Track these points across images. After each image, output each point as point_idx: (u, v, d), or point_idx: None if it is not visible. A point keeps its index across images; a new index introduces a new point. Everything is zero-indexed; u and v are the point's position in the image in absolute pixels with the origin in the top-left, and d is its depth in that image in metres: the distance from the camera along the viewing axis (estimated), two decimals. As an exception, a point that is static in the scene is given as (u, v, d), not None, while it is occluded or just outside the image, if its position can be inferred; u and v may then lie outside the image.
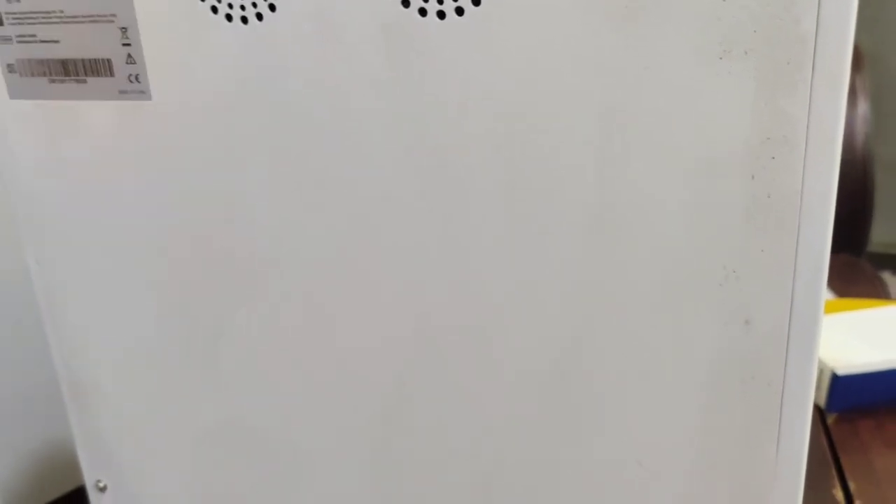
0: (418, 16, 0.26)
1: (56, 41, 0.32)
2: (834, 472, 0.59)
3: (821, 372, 0.65)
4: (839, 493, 0.57)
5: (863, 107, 1.63)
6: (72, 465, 0.44)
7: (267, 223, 0.32)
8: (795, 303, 0.26)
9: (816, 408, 0.67)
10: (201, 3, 0.29)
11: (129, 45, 0.31)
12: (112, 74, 0.32)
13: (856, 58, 1.77)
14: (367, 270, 0.31)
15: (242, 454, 0.38)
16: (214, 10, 0.29)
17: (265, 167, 0.31)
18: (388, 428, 0.34)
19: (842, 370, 0.64)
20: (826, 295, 0.94)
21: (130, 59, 0.31)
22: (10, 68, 0.33)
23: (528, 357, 0.30)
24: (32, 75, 0.33)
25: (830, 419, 0.65)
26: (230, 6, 0.29)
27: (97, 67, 0.32)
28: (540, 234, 0.28)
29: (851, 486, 0.58)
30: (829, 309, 0.78)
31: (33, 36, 0.32)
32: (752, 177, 0.25)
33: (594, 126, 0.26)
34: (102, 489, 0.43)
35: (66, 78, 0.32)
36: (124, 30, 0.31)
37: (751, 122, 0.25)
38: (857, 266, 1.68)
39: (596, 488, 0.31)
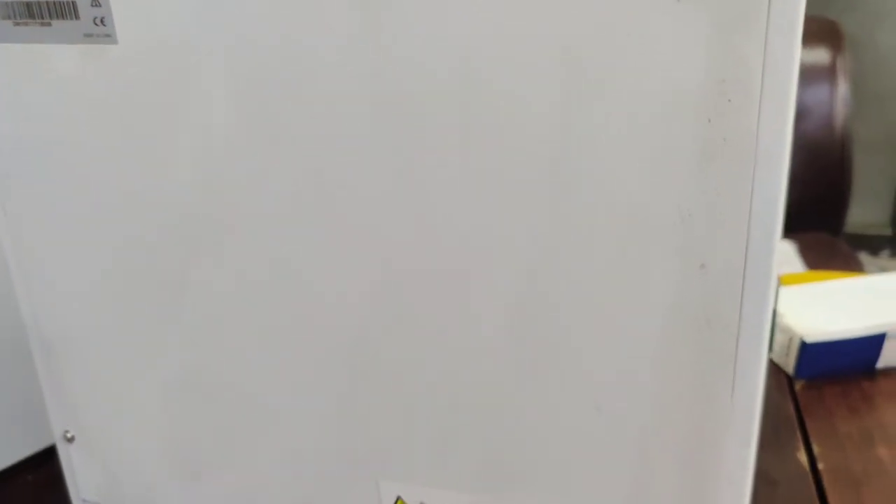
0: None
1: (20, -18, 0.32)
2: (799, 436, 0.60)
3: (790, 340, 0.66)
4: (803, 456, 0.58)
5: (843, 88, 1.64)
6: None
7: (228, 173, 0.32)
8: (751, 246, 0.26)
9: (785, 374, 0.68)
10: (166, -57, 0.29)
11: (93, -14, 0.31)
12: (77, 17, 0.32)
13: (836, 39, 1.79)
14: (328, 218, 0.31)
15: (207, 404, 0.38)
16: (179, -50, 0.29)
17: (228, 115, 0.31)
18: (352, 374, 0.34)
19: (810, 338, 0.64)
20: (800, 269, 0.95)
21: (96, 2, 0.31)
22: (-26, 11, 0.33)
23: (487, 301, 0.30)
24: (-4, 18, 0.33)
25: (798, 385, 0.66)
26: (194, -54, 0.29)
27: (62, 10, 0.32)
28: (499, 177, 0.28)
29: (815, 449, 0.59)
30: (801, 280, 0.79)
31: (-3, -23, 0.32)
32: (709, 120, 0.25)
33: (552, 69, 0.26)
34: (70, 440, 0.43)
35: (31, 21, 0.32)
36: (89, -29, 0.30)
37: (707, 65, 0.25)
38: (834, 245, 1.69)
39: (556, 433, 0.32)
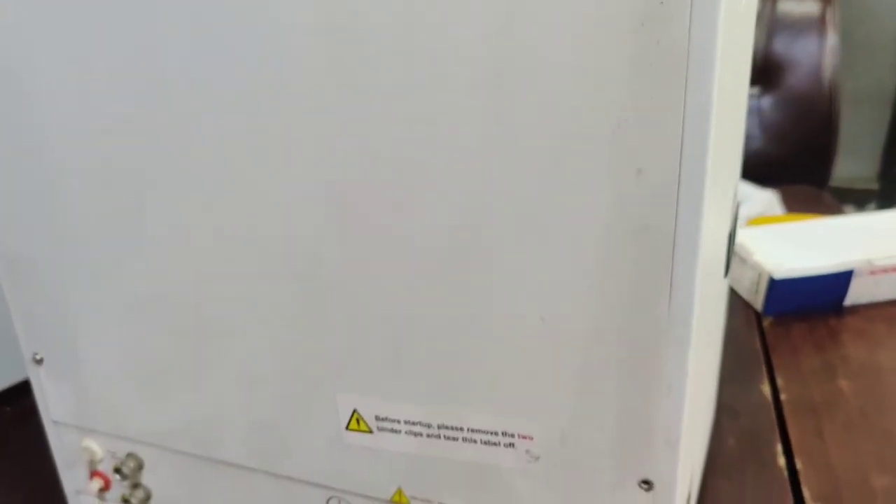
0: None
1: None
2: (764, 370, 0.61)
3: (759, 276, 0.67)
4: (767, 389, 0.59)
5: (831, 39, 1.63)
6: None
7: (181, 91, 0.33)
8: (685, 153, 0.27)
9: (754, 311, 0.69)
10: None
11: None
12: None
13: (826, -10, 1.74)
14: (276, 133, 0.32)
15: (167, 324, 0.39)
16: None
17: (181, 35, 0.32)
18: (303, 289, 0.35)
19: (778, 274, 0.65)
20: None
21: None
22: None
23: (431, 214, 0.31)
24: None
25: (766, 322, 0.67)
26: None
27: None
28: (437, 88, 0.29)
29: (779, 382, 0.60)
30: (773, 221, 0.80)
31: None
32: (642, 24, 0.26)
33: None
34: (39, 361, 0.44)
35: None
36: None
37: (640, -33, 0.25)
38: (819, 197, 1.70)
39: (503, 344, 0.33)
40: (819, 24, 1.61)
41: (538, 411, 0.34)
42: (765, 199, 1.35)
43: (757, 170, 1.67)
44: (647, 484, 0.33)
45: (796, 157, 1.67)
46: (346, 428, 0.38)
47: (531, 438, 0.34)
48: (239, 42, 0.31)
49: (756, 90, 1.65)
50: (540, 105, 0.28)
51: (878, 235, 0.70)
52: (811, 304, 0.68)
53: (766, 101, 1.64)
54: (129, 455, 0.45)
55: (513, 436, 0.35)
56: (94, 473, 0.46)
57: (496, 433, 0.35)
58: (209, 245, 0.36)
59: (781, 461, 0.52)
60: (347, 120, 0.31)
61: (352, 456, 0.39)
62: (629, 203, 0.28)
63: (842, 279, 0.67)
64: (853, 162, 1.92)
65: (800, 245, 0.69)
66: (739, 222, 1.20)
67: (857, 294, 0.68)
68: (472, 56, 0.28)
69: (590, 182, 0.29)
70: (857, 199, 1.94)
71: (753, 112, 1.65)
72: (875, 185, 1.94)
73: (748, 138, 1.67)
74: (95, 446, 0.46)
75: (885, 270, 0.67)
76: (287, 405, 0.39)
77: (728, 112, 0.34)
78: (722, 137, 0.32)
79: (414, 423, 0.36)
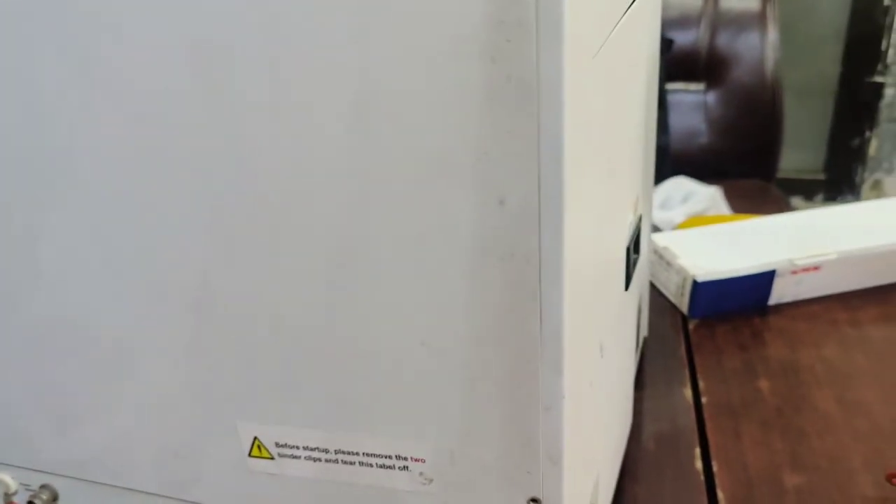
0: None
1: None
2: (687, 373, 0.62)
3: (683, 280, 0.68)
4: (688, 391, 0.60)
5: (772, 34, 1.66)
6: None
7: (59, 118, 0.33)
8: (542, 181, 0.28)
9: (680, 314, 0.70)
10: None
11: None
12: None
13: (766, -15, 1.76)
14: (157, 168, 0.32)
15: (68, 352, 0.39)
16: None
17: (58, 61, 0.32)
18: (197, 316, 0.35)
19: (701, 277, 0.66)
20: (725, 211, 0.97)
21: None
22: None
23: (309, 241, 0.31)
24: None
25: (692, 324, 0.68)
26: None
27: None
28: (305, 124, 0.29)
29: (701, 384, 0.61)
30: (700, 223, 0.81)
31: None
32: (492, 59, 0.26)
33: (342, 19, 0.27)
34: (-55, 397, 0.43)
35: None
36: None
37: (486, 5, 0.26)
38: (767, 191, 1.72)
39: (389, 369, 0.33)
40: (760, 19, 1.64)
41: (428, 433, 0.34)
42: (709, 195, 1.37)
43: (704, 164, 1.69)
44: (535, 502, 0.34)
45: (743, 150, 1.69)
46: (249, 455, 0.38)
47: (423, 461, 0.35)
48: (116, 76, 0.31)
49: (702, 85, 1.67)
50: (402, 138, 0.29)
51: (801, 235, 0.71)
52: (736, 305, 0.69)
53: (711, 97, 1.66)
54: (43, 487, 0.45)
55: (406, 458, 0.35)
56: (9, 506, 0.46)
57: (390, 456, 0.35)
58: (101, 273, 0.36)
59: (699, 464, 0.53)
60: (220, 149, 0.31)
61: (257, 482, 0.39)
62: (494, 231, 0.29)
63: (764, 279, 0.68)
64: (799, 154, 1.95)
65: (724, 247, 0.70)
66: (679, 220, 1.22)
67: (780, 294, 0.70)
68: (334, 87, 0.28)
69: (456, 212, 0.29)
70: (804, 190, 1.97)
71: (699, 108, 1.68)
72: (822, 176, 1.97)
73: (695, 133, 1.69)
74: (8, 479, 0.45)
75: (807, 269, 0.69)
76: (192, 433, 0.39)
77: (613, 132, 0.35)
78: (596, 162, 0.32)
79: (312, 449, 0.37)
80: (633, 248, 0.45)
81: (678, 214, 1.31)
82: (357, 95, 0.28)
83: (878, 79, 1.84)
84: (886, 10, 1.78)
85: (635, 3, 0.41)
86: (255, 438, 0.38)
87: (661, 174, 1.44)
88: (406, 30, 0.27)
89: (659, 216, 1.33)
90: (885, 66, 1.82)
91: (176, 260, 0.34)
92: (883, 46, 1.81)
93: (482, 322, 0.31)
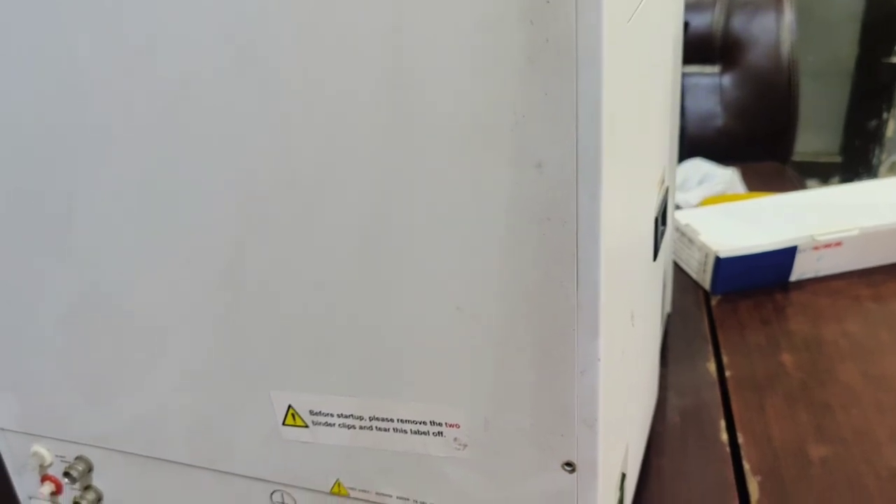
0: None
1: None
2: (711, 348, 0.63)
3: (705, 256, 0.68)
4: (713, 366, 0.60)
5: (788, 16, 1.65)
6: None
7: (99, 101, 0.33)
8: (580, 145, 0.28)
9: (703, 290, 0.70)
10: None
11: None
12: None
13: (782, -34, 1.75)
14: (192, 144, 0.33)
15: (103, 329, 0.39)
16: None
17: (93, 54, 0.32)
18: (230, 289, 0.36)
19: (723, 253, 0.67)
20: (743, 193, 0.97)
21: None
22: None
23: (342, 211, 0.32)
24: None
25: (714, 300, 0.69)
26: None
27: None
28: (341, 90, 0.29)
29: (724, 359, 0.61)
30: (723, 200, 0.81)
31: None
32: (531, 22, 0.27)
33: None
34: (-19, 371, 0.44)
35: None
36: None
37: (525, -32, 0.26)
38: (782, 173, 1.72)
39: (423, 335, 0.33)
40: (776, 1, 1.63)
41: (462, 399, 0.34)
42: (726, 177, 1.37)
43: (720, 147, 1.69)
44: (569, 466, 0.34)
45: (758, 133, 1.69)
46: (283, 423, 0.39)
47: (458, 426, 0.35)
48: (153, 46, 0.32)
49: (717, 69, 1.67)
50: (440, 102, 0.29)
51: (821, 212, 0.71)
52: (758, 281, 0.69)
53: (727, 80, 1.65)
54: (78, 458, 0.46)
55: (440, 424, 0.35)
56: (44, 478, 0.47)
57: (424, 422, 0.36)
58: (135, 247, 0.36)
59: (724, 436, 0.54)
60: (255, 122, 0.31)
61: (290, 450, 0.39)
62: (531, 195, 0.29)
63: (786, 255, 0.68)
64: (816, 136, 1.94)
65: (745, 224, 0.70)
66: (696, 201, 1.21)
67: (801, 270, 0.70)
68: (370, 56, 0.29)
69: (492, 176, 0.29)
70: (820, 172, 1.96)
71: (715, 90, 1.67)
72: (838, 159, 1.96)
73: (711, 116, 1.68)
74: (44, 451, 0.46)
75: (828, 245, 0.68)
76: (225, 403, 0.39)
77: (643, 101, 0.35)
78: (629, 129, 0.33)
79: (347, 416, 0.37)
80: (661, 219, 0.45)
81: (695, 196, 1.31)
82: (394, 60, 0.28)
83: (895, 60, 1.82)
84: (903, -10, 1.77)
85: (663, -27, 0.41)
86: (290, 407, 0.38)
87: (679, 156, 1.44)
88: (444, -5, 0.27)
89: (677, 197, 1.33)
90: (902, 47, 1.81)
91: (209, 233, 0.34)
92: (900, 27, 1.80)
93: (518, 286, 0.31)
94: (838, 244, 0.69)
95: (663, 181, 0.46)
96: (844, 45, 1.87)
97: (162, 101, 0.32)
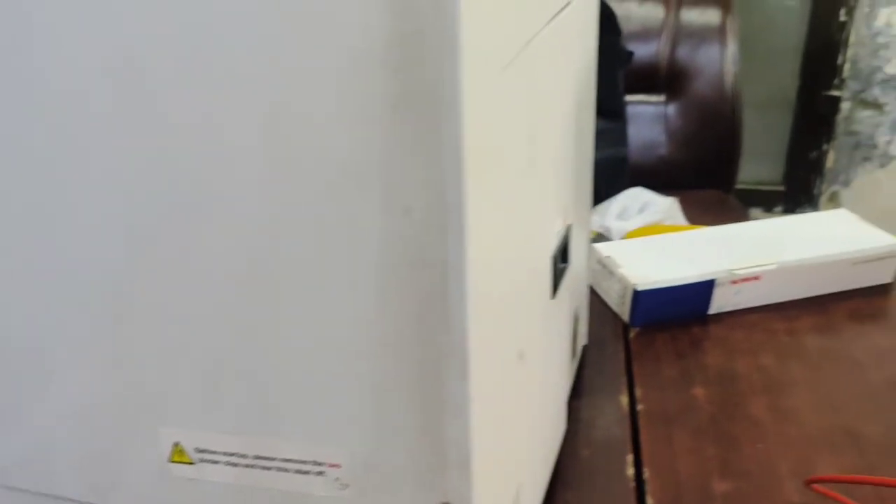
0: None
1: None
2: (625, 381, 0.63)
3: (624, 289, 0.69)
4: (625, 399, 0.61)
5: (732, 47, 1.68)
6: None
7: (-22, 126, 0.33)
8: (446, 192, 0.28)
9: (621, 322, 0.71)
10: None
11: None
12: None
13: (726, 0, 1.81)
14: (73, 168, 0.32)
15: (-12, 359, 0.39)
16: None
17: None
18: (116, 321, 0.35)
19: (641, 286, 0.67)
20: (682, 222, 0.98)
21: None
22: None
23: (225, 250, 0.32)
24: None
25: (633, 333, 0.69)
26: None
27: None
28: (218, 128, 0.30)
29: (638, 392, 0.62)
30: (645, 233, 0.82)
31: None
32: (394, 70, 0.27)
33: (250, 33, 0.27)
34: None
35: None
36: None
37: (386, 18, 0.26)
38: (725, 202, 1.75)
39: (304, 374, 0.33)
40: (720, 32, 1.66)
41: (343, 439, 0.34)
42: (665, 205, 1.38)
43: (664, 175, 1.71)
44: (447, 506, 0.34)
45: (702, 162, 1.72)
46: (170, 460, 0.38)
47: (339, 466, 0.35)
48: (35, 69, 0.31)
49: (662, 97, 1.69)
50: (311, 149, 0.29)
51: (742, 245, 0.73)
52: (676, 313, 0.70)
53: (672, 109, 1.68)
54: (-33, 492, 0.45)
55: (322, 464, 0.35)
56: (-66, 511, 0.46)
57: (306, 462, 0.36)
58: (16, 279, 0.36)
59: (630, 471, 0.54)
60: (136, 156, 0.31)
61: (177, 487, 0.39)
62: (401, 240, 0.30)
63: (704, 289, 0.69)
64: (759, 166, 1.98)
65: (666, 257, 0.71)
66: (635, 229, 1.23)
67: (720, 303, 0.71)
68: (243, 96, 0.29)
69: (364, 220, 0.30)
70: (764, 201, 2.00)
71: (660, 119, 1.69)
72: (781, 188, 2.00)
73: (656, 145, 1.71)
74: (-69, 485, 0.45)
75: (746, 279, 0.70)
76: (113, 439, 0.39)
77: (532, 144, 0.36)
78: (508, 172, 0.33)
79: (231, 455, 0.37)
80: (561, 257, 0.45)
81: (634, 224, 1.33)
82: (267, 108, 0.29)
83: (835, 92, 1.87)
84: (842, 25, 1.82)
85: (563, 13, 0.41)
86: (176, 444, 0.38)
87: (620, 185, 1.46)
88: (310, 42, 0.27)
89: (616, 226, 1.34)
90: (842, 81, 1.85)
91: (91, 267, 0.34)
92: (839, 61, 1.85)
93: (393, 328, 0.31)
94: (756, 278, 0.70)
95: (565, 218, 0.47)
96: (787, 76, 1.91)
97: (42, 129, 0.32)
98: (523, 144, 0.35)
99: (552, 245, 0.44)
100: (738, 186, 1.74)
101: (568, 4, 0.43)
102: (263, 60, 0.28)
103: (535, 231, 0.39)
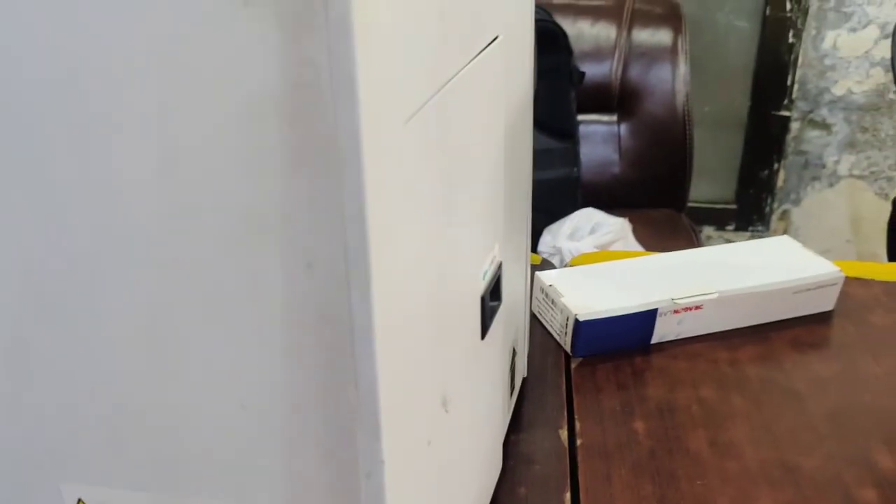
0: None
1: None
2: (565, 414, 0.62)
3: (566, 319, 0.68)
4: (565, 433, 0.60)
5: (683, 68, 1.70)
6: None
7: None
8: (349, 245, 0.27)
9: (564, 352, 0.70)
10: None
11: None
12: None
13: (677, 20, 1.84)
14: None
15: None
16: None
17: None
18: (13, 376, 0.33)
19: (583, 316, 0.67)
20: (633, 246, 0.98)
21: None
22: None
23: (125, 302, 0.30)
24: None
25: (574, 363, 0.69)
26: None
27: None
28: (114, 180, 0.28)
29: (578, 426, 0.61)
30: (590, 260, 0.81)
31: None
32: (291, 123, 0.26)
33: (145, 85, 0.26)
34: None
35: None
36: None
37: (281, 69, 0.25)
38: (676, 221, 1.76)
39: (210, 432, 0.32)
40: (671, 53, 1.68)
41: (254, 499, 0.33)
42: (616, 226, 1.39)
43: (617, 194, 1.72)
44: (362, 567, 0.33)
45: (655, 180, 1.73)
46: (75, 517, 0.36)
47: (249, 525, 0.34)
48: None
49: (614, 117, 1.70)
50: (209, 201, 0.28)
51: (685, 274, 0.72)
52: (619, 343, 0.69)
53: (624, 128, 1.69)
54: None
55: (232, 523, 0.34)
56: None
57: (216, 520, 0.34)
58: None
59: (568, 509, 0.53)
60: (34, 216, 0.30)
61: (84, 545, 0.37)
62: (303, 295, 0.28)
63: (646, 318, 0.69)
64: (712, 184, 2.00)
65: (609, 286, 0.71)
66: (587, 249, 1.23)
67: (662, 332, 0.70)
68: (140, 156, 0.28)
69: (266, 274, 0.28)
70: (717, 219, 2.02)
71: (612, 138, 1.70)
72: (734, 206, 2.02)
73: (608, 164, 1.71)
74: None
75: (688, 308, 0.69)
76: (15, 494, 0.37)
77: (449, 188, 0.35)
78: (420, 221, 0.32)
79: (138, 512, 0.35)
80: (491, 296, 0.44)
81: (586, 245, 1.33)
82: (163, 161, 0.27)
83: (785, 113, 1.89)
84: (791, 47, 1.84)
85: (487, 49, 0.40)
86: (80, 501, 0.36)
87: (572, 205, 1.46)
88: (204, 93, 0.26)
89: (567, 246, 1.34)
90: (791, 101, 1.88)
91: (-14, 319, 0.32)
92: (788, 81, 1.87)
93: (300, 386, 0.30)
94: (698, 307, 0.70)
95: (495, 257, 0.46)
96: (737, 96, 1.93)
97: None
98: (438, 191, 0.34)
99: (481, 285, 0.42)
100: (691, 205, 1.75)
101: (494, 40, 0.42)
102: (155, 107, 0.27)
103: (458, 272, 0.38)
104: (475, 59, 0.38)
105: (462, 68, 0.36)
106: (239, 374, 0.30)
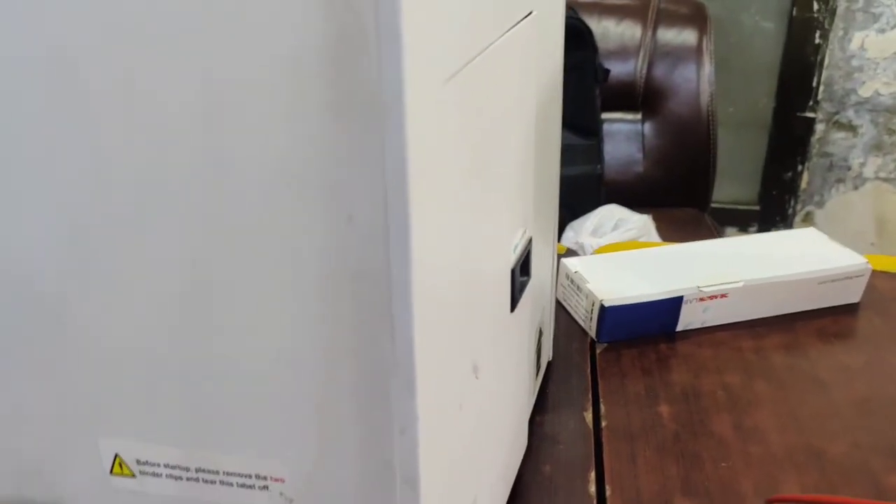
0: None
1: None
2: (590, 397, 0.63)
3: (592, 304, 0.68)
4: (590, 415, 0.60)
5: (708, 68, 1.69)
6: None
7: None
8: (389, 198, 0.27)
9: (589, 338, 0.70)
10: None
11: None
12: None
13: (702, 21, 1.83)
14: (7, 168, 0.31)
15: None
16: None
17: None
18: (52, 333, 0.34)
19: (609, 302, 0.67)
20: (656, 239, 0.98)
21: None
22: None
23: (164, 254, 0.31)
24: None
25: (599, 349, 0.69)
26: None
27: None
28: (157, 132, 0.29)
29: (602, 408, 0.61)
30: (614, 249, 0.81)
31: None
32: (334, 74, 0.26)
33: (187, 34, 0.27)
34: None
35: None
36: None
37: (324, 19, 0.26)
38: (699, 220, 1.75)
39: (246, 386, 0.33)
40: (696, 53, 1.67)
41: (287, 453, 0.34)
42: (640, 223, 1.38)
43: (640, 193, 1.72)
44: (393, 524, 0.33)
45: (678, 180, 1.72)
46: (111, 472, 0.37)
47: (283, 481, 0.34)
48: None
49: (638, 115, 1.70)
50: (251, 155, 0.28)
51: (711, 263, 0.72)
52: (643, 330, 0.70)
53: (648, 127, 1.69)
54: None
55: (265, 478, 0.34)
56: None
57: (250, 476, 0.35)
58: (-43, 289, 0.35)
59: (592, 488, 0.53)
60: (79, 167, 0.30)
61: (119, 500, 0.38)
62: (343, 249, 0.29)
63: (671, 306, 0.69)
64: (735, 185, 1.99)
65: (634, 273, 0.71)
66: (597, 246, 1.23)
67: (687, 320, 0.70)
68: (182, 108, 0.28)
69: (306, 227, 0.29)
70: (739, 220, 2.01)
71: (636, 137, 1.70)
72: (757, 207, 2.01)
73: (632, 162, 1.71)
74: None
75: (713, 297, 0.69)
76: (53, 449, 0.38)
77: (484, 155, 0.35)
78: (457, 183, 0.32)
79: (173, 467, 0.36)
80: (521, 270, 0.45)
81: (609, 241, 1.33)
82: (206, 112, 0.28)
83: (810, 114, 1.88)
84: (817, 48, 1.83)
85: (522, 23, 0.41)
86: (117, 455, 0.37)
87: (595, 202, 1.46)
88: (248, 43, 0.26)
89: (590, 242, 1.34)
90: (816, 102, 1.87)
91: (25, 270, 0.33)
92: (814, 83, 1.86)
93: (336, 341, 0.31)
94: (724, 296, 0.70)
95: (525, 231, 0.46)
96: (762, 97, 1.92)
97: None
98: (473, 157, 0.34)
99: (511, 258, 0.43)
100: (714, 205, 1.75)
101: (528, 14, 0.42)
102: (199, 58, 0.27)
103: (489, 242, 0.38)
104: (511, 31, 0.38)
105: (499, 37, 0.36)
106: (275, 326, 0.31)
